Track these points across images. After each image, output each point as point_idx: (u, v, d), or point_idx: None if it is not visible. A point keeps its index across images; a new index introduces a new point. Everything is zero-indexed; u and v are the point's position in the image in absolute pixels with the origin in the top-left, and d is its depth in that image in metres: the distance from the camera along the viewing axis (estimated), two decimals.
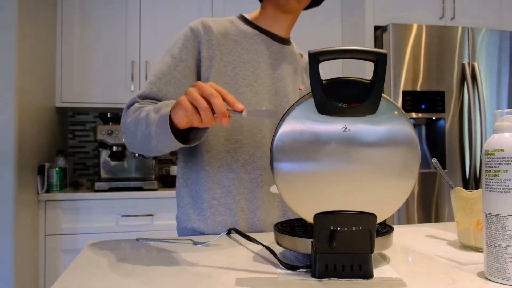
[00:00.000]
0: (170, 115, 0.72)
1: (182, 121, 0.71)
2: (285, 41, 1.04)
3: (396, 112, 0.55)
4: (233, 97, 0.66)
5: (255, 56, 0.98)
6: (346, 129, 0.55)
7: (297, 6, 0.97)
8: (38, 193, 2.03)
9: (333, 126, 0.55)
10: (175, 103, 0.72)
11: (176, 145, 0.76)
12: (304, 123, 0.55)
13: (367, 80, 0.56)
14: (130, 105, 0.92)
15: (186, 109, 0.67)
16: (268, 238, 0.84)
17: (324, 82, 0.55)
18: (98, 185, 2.17)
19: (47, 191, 2.12)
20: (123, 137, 0.92)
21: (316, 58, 0.54)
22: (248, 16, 1.04)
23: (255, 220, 0.95)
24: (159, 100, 0.91)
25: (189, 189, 0.97)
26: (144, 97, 0.91)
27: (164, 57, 0.95)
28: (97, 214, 2.09)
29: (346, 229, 0.55)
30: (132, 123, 0.86)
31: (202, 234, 0.94)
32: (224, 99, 0.65)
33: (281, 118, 0.58)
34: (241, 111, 0.65)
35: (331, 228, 0.55)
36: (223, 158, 0.95)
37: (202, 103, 0.66)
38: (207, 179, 0.95)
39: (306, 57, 1.14)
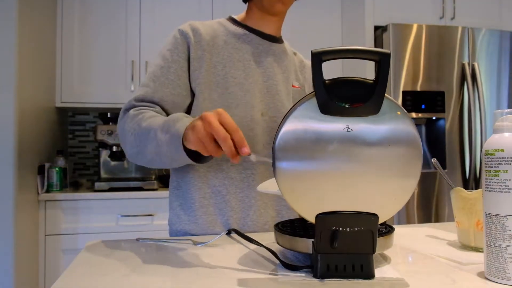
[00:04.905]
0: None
1: (192, 147, 0.73)
2: (275, 39, 1.04)
3: (399, 112, 0.55)
4: (242, 138, 0.65)
5: (245, 55, 0.98)
6: (349, 129, 0.55)
7: (282, 8, 0.98)
8: (38, 193, 2.03)
9: (336, 126, 0.55)
10: (186, 133, 0.72)
11: (190, 163, 0.79)
12: (306, 122, 0.55)
13: (370, 80, 0.56)
14: (127, 109, 0.92)
15: (196, 146, 0.70)
16: (267, 238, 0.84)
17: (327, 82, 0.55)
18: (98, 185, 2.17)
19: (47, 191, 2.12)
20: (121, 144, 0.92)
21: (319, 57, 0.54)
22: (237, 17, 1.04)
23: (247, 220, 0.95)
24: (156, 103, 0.92)
25: (180, 191, 0.97)
26: (140, 100, 0.92)
27: (156, 60, 0.96)
28: (97, 214, 2.09)
29: (348, 229, 0.55)
30: (131, 132, 0.86)
31: (193, 236, 0.93)
32: (232, 139, 0.65)
33: (283, 117, 0.58)
34: (247, 154, 0.66)
35: (333, 228, 0.55)
36: (213, 158, 0.95)
37: (211, 147, 0.67)
38: (198, 179, 0.95)
39: (300, 56, 1.14)
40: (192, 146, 0.71)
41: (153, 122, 0.83)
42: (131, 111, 0.89)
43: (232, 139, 0.65)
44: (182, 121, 0.76)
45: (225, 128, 0.65)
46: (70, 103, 2.35)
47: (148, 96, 0.91)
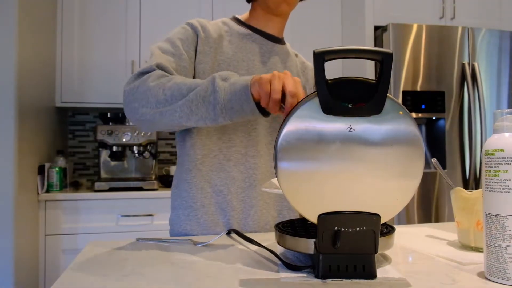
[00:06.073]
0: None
1: (253, 94, 0.74)
2: (278, 40, 1.05)
3: (401, 112, 0.55)
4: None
5: (248, 54, 0.99)
6: (351, 129, 0.55)
7: (287, 9, 0.99)
8: (38, 193, 2.03)
9: (338, 125, 0.55)
10: (256, 78, 0.73)
11: (250, 111, 0.75)
12: (308, 122, 0.55)
13: (372, 80, 0.56)
14: (148, 71, 0.85)
15: (263, 88, 0.71)
16: (267, 238, 0.84)
17: (329, 81, 0.55)
18: (98, 185, 2.17)
19: (47, 191, 2.12)
20: (134, 103, 0.83)
21: (321, 57, 0.54)
22: (241, 17, 1.05)
23: (248, 220, 0.95)
24: None
25: (181, 190, 0.97)
26: (162, 68, 0.87)
27: (164, 45, 0.92)
28: (97, 214, 2.09)
29: (350, 229, 0.55)
30: (159, 86, 0.80)
31: (194, 236, 0.93)
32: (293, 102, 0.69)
33: (285, 117, 0.58)
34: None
35: (335, 228, 0.55)
36: (215, 157, 0.95)
37: (277, 95, 0.70)
38: (200, 178, 0.94)
39: (301, 57, 1.14)
40: (254, 93, 0.73)
41: (195, 80, 0.80)
42: (158, 71, 0.84)
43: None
44: (234, 74, 0.78)
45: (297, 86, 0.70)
46: (70, 103, 2.35)
47: (169, 68, 0.87)
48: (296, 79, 0.72)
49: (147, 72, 0.85)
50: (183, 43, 0.93)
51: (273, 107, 0.71)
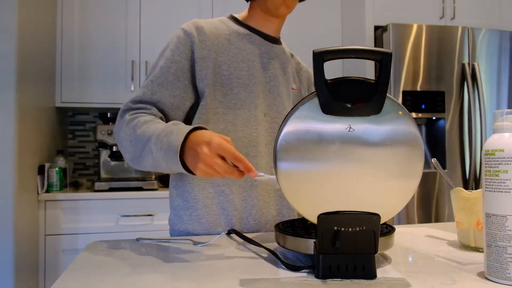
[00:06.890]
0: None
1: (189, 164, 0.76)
2: (275, 41, 1.05)
3: (400, 112, 0.55)
4: (246, 163, 0.69)
5: (248, 55, 0.99)
6: (351, 129, 0.55)
7: (286, 11, 0.99)
8: (38, 193, 2.03)
9: (338, 126, 0.55)
10: (191, 159, 0.74)
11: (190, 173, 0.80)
12: (308, 122, 0.55)
13: (372, 80, 0.56)
14: (125, 110, 0.91)
15: (206, 174, 0.72)
16: (267, 238, 0.84)
17: (328, 81, 0.55)
18: (98, 185, 2.17)
19: (47, 191, 2.12)
20: (119, 148, 0.91)
21: (320, 57, 0.54)
22: (238, 16, 1.04)
23: (250, 219, 0.96)
24: (153, 104, 0.90)
25: (182, 190, 0.97)
26: (137, 102, 0.91)
27: (158, 60, 0.95)
28: (97, 214, 2.09)
29: (350, 229, 0.55)
30: (126, 138, 0.86)
31: (196, 235, 0.94)
32: (238, 166, 0.70)
33: (285, 118, 0.58)
34: (254, 176, 0.70)
35: (335, 228, 0.55)
36: None
37: (220, 175, 0.71)
38: (201, 179, 0.95)
39: (297, 58, 1.14)
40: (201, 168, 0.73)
41: (147, 130, 0.83)
42: (127, 116, 0.89)
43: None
44: (176, 134, 0.77)
45: (228, 156, 0.70)
46: (70, 103, 2.35)
47: (145, 98, 0.91)
48: (217, 144, 0.70)
49: (126, 111, 0.91)
50: (173, 53, 0.93)
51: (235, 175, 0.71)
